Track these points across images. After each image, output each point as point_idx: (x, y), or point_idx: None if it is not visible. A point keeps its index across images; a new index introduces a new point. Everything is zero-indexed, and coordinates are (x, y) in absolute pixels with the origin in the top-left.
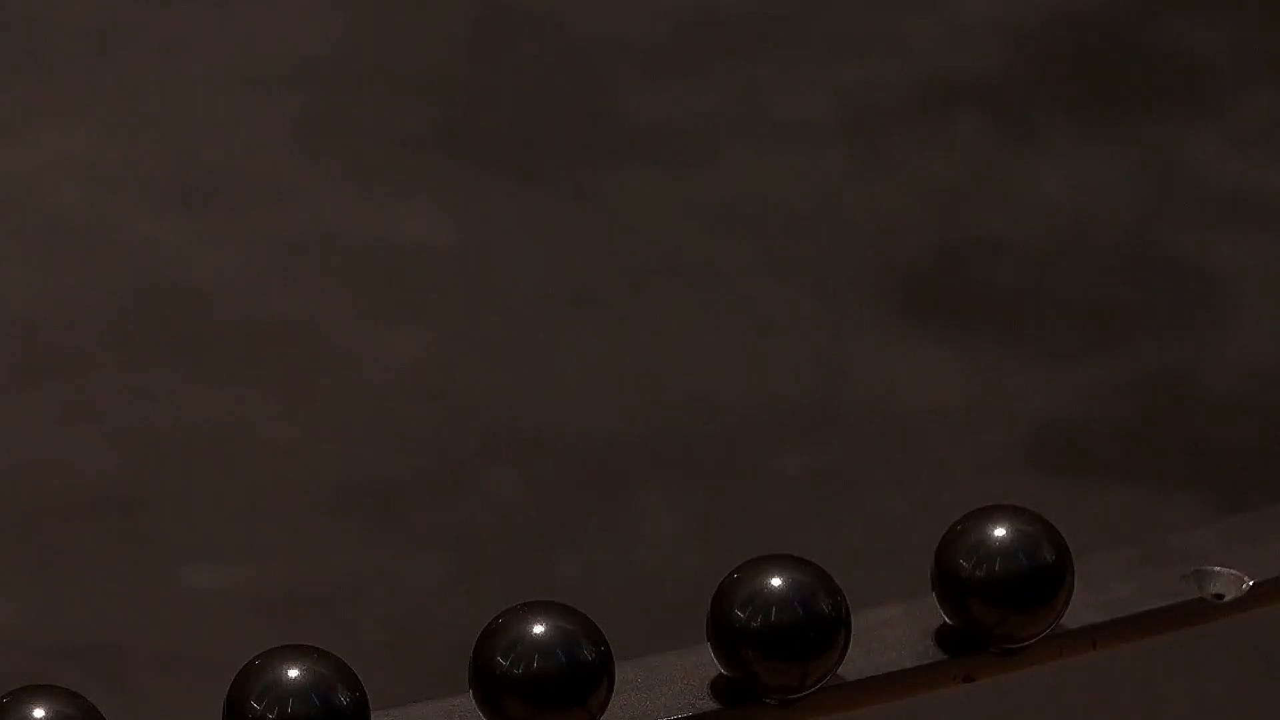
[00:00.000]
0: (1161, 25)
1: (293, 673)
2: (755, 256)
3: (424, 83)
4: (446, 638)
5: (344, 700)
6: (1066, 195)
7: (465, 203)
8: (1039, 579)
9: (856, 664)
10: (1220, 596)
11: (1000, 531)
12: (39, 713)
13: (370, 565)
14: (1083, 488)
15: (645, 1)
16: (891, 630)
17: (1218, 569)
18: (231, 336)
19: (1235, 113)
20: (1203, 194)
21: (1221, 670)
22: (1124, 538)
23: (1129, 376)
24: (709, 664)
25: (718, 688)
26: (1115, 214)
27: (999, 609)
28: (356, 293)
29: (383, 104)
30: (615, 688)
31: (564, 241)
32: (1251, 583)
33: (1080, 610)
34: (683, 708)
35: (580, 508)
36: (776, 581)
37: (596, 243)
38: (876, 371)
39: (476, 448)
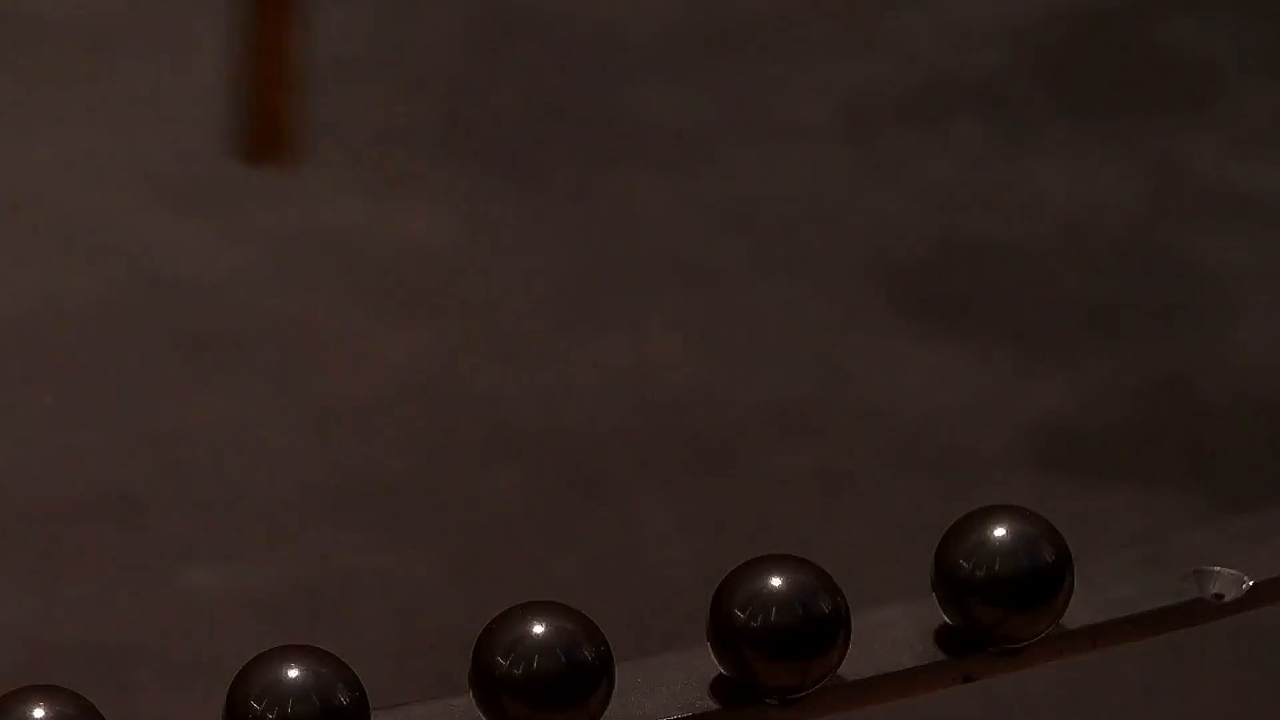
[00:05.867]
0: (1161, 25)
1: (293, 673)
2: (755, 256)
3: (424, 83)
4: (446, 638)
5: (344, 700)
6: (1066, 195)
7: (465, 203)
8: (1039, 579)
9: (856, 664)
10: (1220, 596)
11: (1000, 531)
12: (39, 713)
13: (370, 565)
14: (1083, 488)
15: (645, 1)
16: (891, 630)
17: (1218, 569)
18: (231, 336)
19: (1235, 113)
20: (1203, 194)
21: (1221, 670)
22: (1124, 538)
23: (1129, 376)
24: (709, 664)
25: (718, 688)
26: (1115, 214)
27: (999, 609)
28: (356, 292)
29: (383, 104)
30: (615, 688)
31: (564, 242)
32: (1251, 583)
33: (1080, 610)
34: (683, 708)
35: (580, 508)
36: (776, 581)
37: (597, 243)
38: (876, 371)
39: (476, 448)
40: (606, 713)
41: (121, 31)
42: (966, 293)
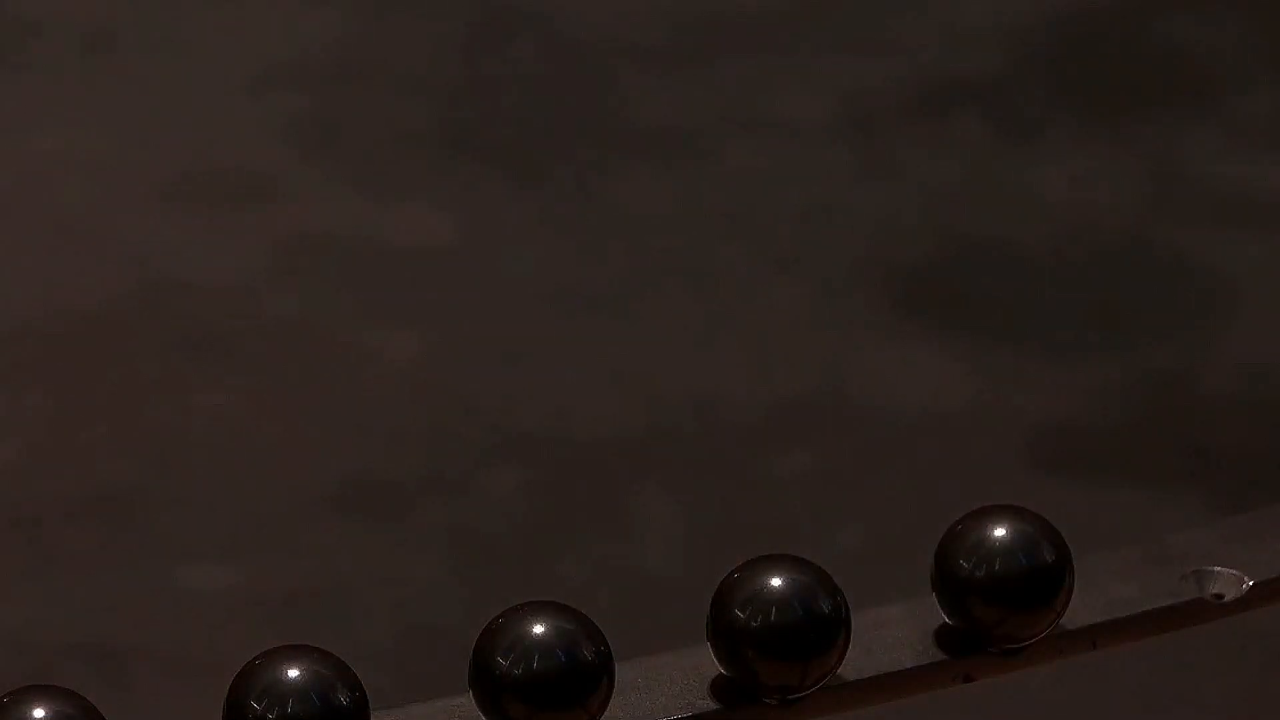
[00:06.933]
0: (1161, 25)
1: (293, 673)
2: (755, 256)
3: (424, 83)
4: (446, 638)
5: (344, 700)
6: (1066, 195)
7: (465, 203)
8: (1039, 579)
9: (856, 664)
10: (1220, 596)
11: (1000, 531)
12: (39, 713)
13: (370, 565)
14: (1083, 488)
15: (645, 1)
16: (891, 630)
17: (1218, 569)
18: (231, 336)
19: (1235, 113)
20: (1203, 194)
21: (1221, 670)
22: (1124, 538)
23: (1129, 376)
24: (709, 664)
25: (718, 688)
26: (1115, 214)
27: (999, 609)
28: (356, 293)
29: (383, 104)
30: (615, 688)
31: (564, 241)
32: (1251, 583)
33: (1080, 610)
34: (683, 708)
35: (580, 508)
36: (776, 581)
37: (597, 243)
38: (876, 371)
39: (476, 448)
40: (606, 713)
41: (121, 31)
42: (966, 293)
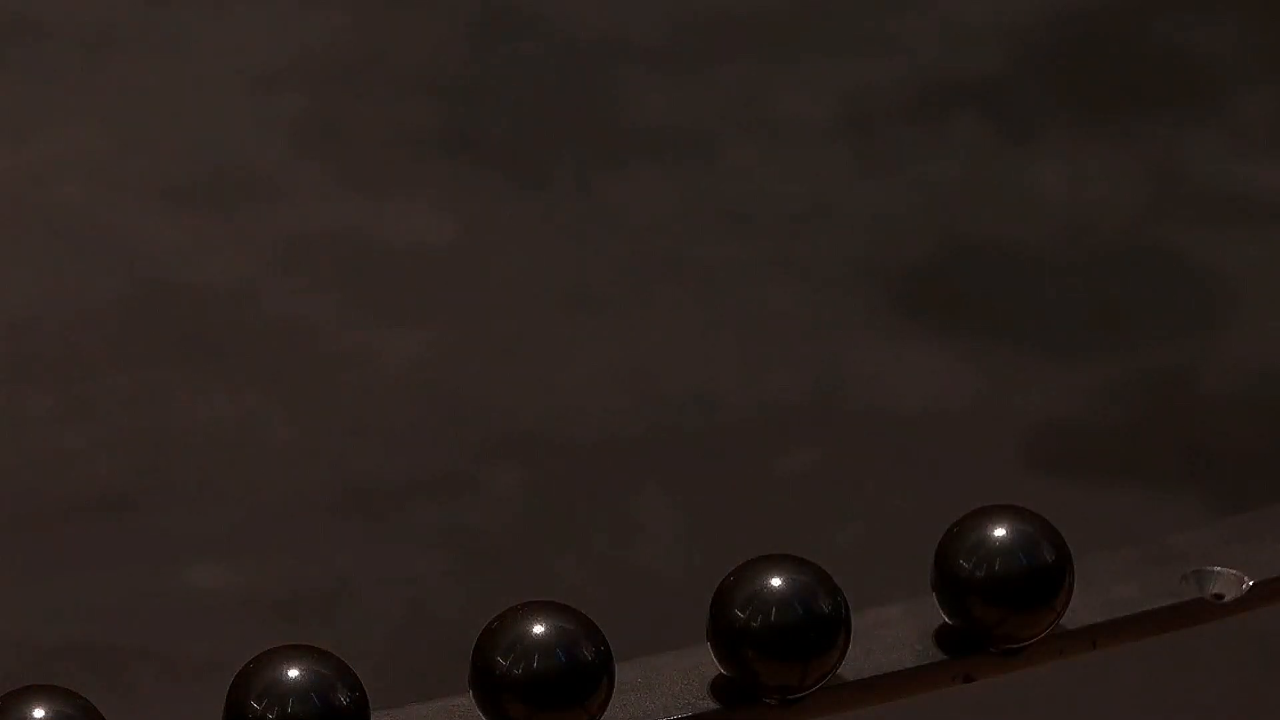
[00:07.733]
0: (1161, 25)
1: (293, 673)
2: (755, 256)
3: (424, 83)
4: (446, 638)
5: (344, 700)
6: (1066, 195)
7: (465, 203)
8: (1039, 579)
9: (856, 664)
10: (1220, 596)
11: (1000, 531)
12: (39, 713)
13: (370, 565)
14: (1083, 488)
15: (645, 1)
16: (891, 630)
17: (1218, 569)
18: (231, 336)
19: (1235, 113)
20: (1203, 194)
21: (1221, 670)
22: (1124, 538)
23: (1129, 376)
24: (709, 664)
25: (718, 688)
26: (1115, 214)
27: (999, 609)
28: (356, 293)
29: (383, 104)
30: (615, 688)
31: (564, 241)
32: (1251, 583)
33: (1080, 610)
34: (683, 708)
35: (580, 507)
36: (776, 581)
37: (597, 243)
38: (876, 371)
39: (476, 448)
40: (606, 713)
41: (121, 31)
42: (966, 293)
